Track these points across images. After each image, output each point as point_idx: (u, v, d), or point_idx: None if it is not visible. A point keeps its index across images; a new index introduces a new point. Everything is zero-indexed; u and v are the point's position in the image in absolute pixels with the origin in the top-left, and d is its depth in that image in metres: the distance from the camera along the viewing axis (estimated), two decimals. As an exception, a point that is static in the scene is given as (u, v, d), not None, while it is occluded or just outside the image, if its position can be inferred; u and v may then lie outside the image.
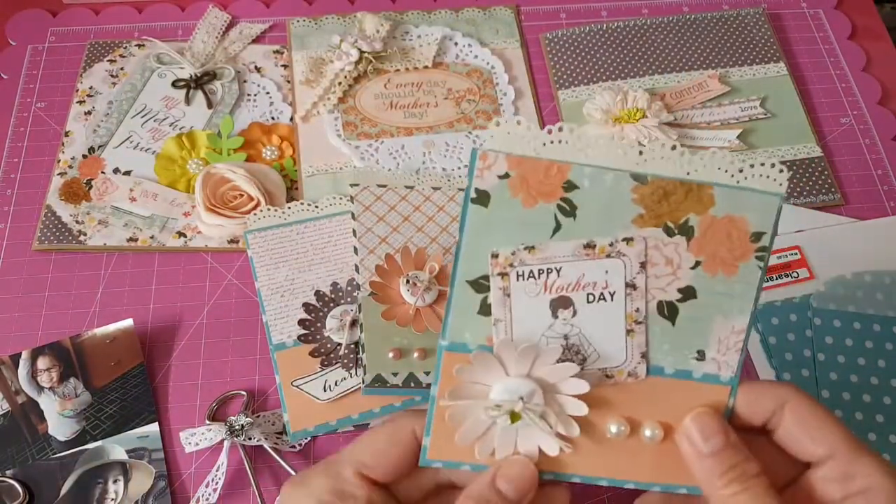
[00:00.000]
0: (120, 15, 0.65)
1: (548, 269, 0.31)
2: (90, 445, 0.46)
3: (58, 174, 0.56)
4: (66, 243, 0.53)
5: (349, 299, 0.48)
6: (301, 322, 0.48)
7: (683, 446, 0.31)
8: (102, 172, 0.56)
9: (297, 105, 0.60)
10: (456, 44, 0.64)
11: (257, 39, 0.64)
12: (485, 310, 0.31)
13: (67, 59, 0.62)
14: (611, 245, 0.31)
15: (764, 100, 0.60)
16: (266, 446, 0.45)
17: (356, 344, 0.47)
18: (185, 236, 0.54)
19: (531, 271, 0.31)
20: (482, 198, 0.30)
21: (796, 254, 0.52)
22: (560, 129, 0.30)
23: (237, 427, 0.45)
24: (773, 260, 0.51)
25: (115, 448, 0.46)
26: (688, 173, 0.30)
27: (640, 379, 0.31)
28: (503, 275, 0.31)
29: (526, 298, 0.31)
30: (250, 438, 0.44)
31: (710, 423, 0.30)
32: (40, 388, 0.47)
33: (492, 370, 0.31)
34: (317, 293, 0.49)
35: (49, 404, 0.47)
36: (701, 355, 0.31)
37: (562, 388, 0.31)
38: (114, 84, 0.61)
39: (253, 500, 0.44)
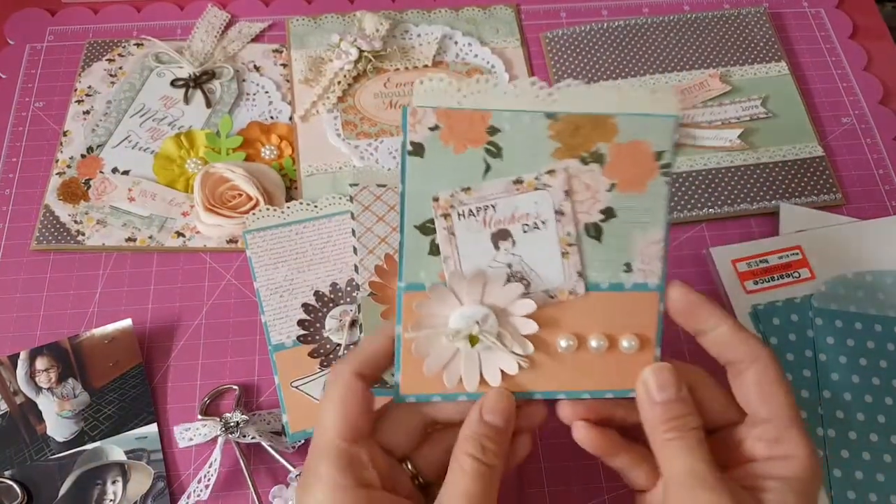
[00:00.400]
0: (119, 14, 0.65)
1: (485, 206, 0.35)
2: (89, 446, 0.46)
3: (56, 174, 0.56)
4: (64, 243, 0.53)
5: (348, 299, 0.48)
6: (300, 322, 0.48)
7: (639, 391, 0.34)
8: (101, 172, 0.56)
9: (296, 104, 0.59)
10: (456, 43, 0.63)
11: (256, 38, 0.64)
12: (434, 250, 0.35)
13: (66, 59, 0.62)
14: (536, 179, 0.34)
15: (765, 99, 0.60)
16: (263, 443, 0.44)
17: (355, 344, 0.47)
18: (183, 236, 0.53)
19: (470, 210, 0.35)
20: (417, 149, 0.34)
21: (797, 254, 0.51)
22: (477, 81, 0.34)
23: (232, 424, 0.44)
24: (775, 260, 0.51)
25: (114, 449, 0.46)
26: (593, 107, 0.34)
27: (580, 295, 0.35)
28: (446, 215, 0.35)
29: (469, 234, 0.35)
30: (245, 436, 0.44)
31: (666, 377, 0.34)
32: (39, 389, 0.47)
33: (447, 301, 0.34)
34: (316, 293, 0.48)
35: (47, 405, 0.47)
36: (628, 267, 0.35)
37: (512, 310, 0.35)
38: (112, 83, 0.61)
39: (248, 498, 0.44)
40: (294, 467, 0.44)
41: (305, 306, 0.48)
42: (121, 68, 0.61)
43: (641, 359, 0.36)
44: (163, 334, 0.50)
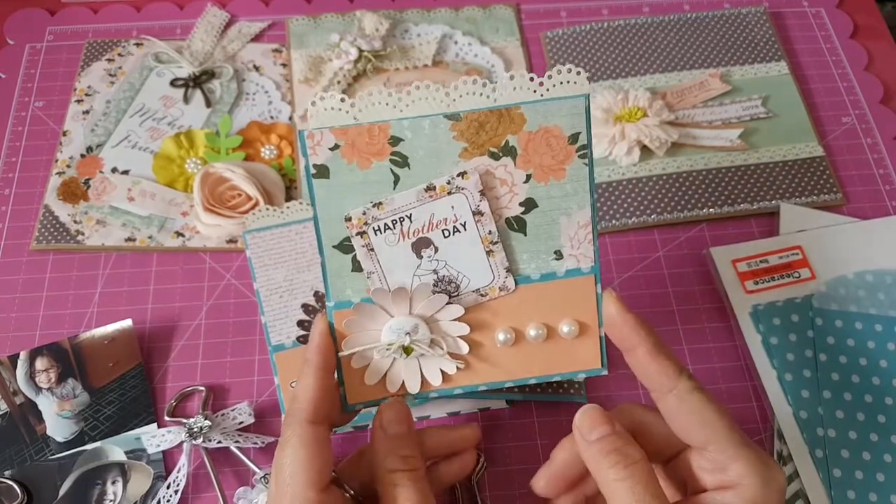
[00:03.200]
0: (118, 14, 0.65)
1: (399, 219, 0.34)
2: (89, 446, 0.45)
3: (56, 174, 0.56)
4: (64, 243, 0.53)
5: (348, 300, 0.48)
6: (300, 323, 0.48)
7: (577, 437, 0.34)
8: (100, 172, 0.56)
9: (295, 104, 0.59)
10: (456, 42, 0.63)
11: (256, 38, 0.64)
12: (357, 266, 0.35)
13: (65, 58, 0.62)
14: (448, 183, 0.34)
15: (765, 99, 0.59)
16: (232, 447, 0.44)
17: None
18: (183, 236, 0.53)
19: (385, 224, 0.34)
20: (321, 171, 0.34)
21: (797, 254, 0.51)
22: (370, 94, 0.34)
23: (196, 429, 0.44)
24: (775, 260, 0.51)
25: (114, 449, 0.45)
26: (495, 101, 0.34)
27: (511, 291, 0.35)
28: (361, 233, 0.34)
29: (388, 248, 0.35)
30: (210, 440, 0.44)
31: (595, 416, 0.33)
32: (38, 389, 0.47)
33: (376, 316, 0.35)
34: (316, 294, 0.48)
35: (47, 405, 0.47)
36: (558, 255, 0.35)
37: (442, 316, 0.35)
38: (112, 83, 0.61)
39: (218, 500, 0.44)
40: (259, 468, 0.44)
41: (305, 307, 0.48)
42: (120, 68, 0.61)
43: (586, 342, 0.36)
44: (162, 334, 0.50)
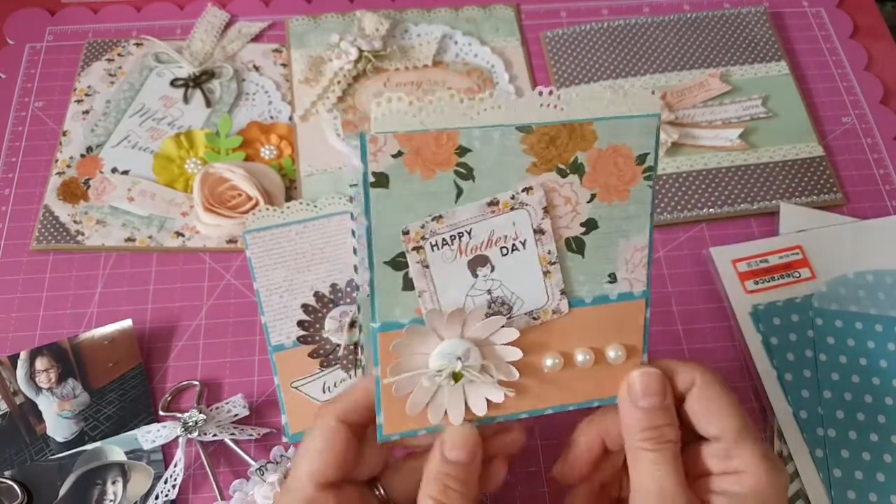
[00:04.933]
0: (118, 14, 0.65)
1: (459, 234, 0.32)
2: (89, 446, 0.45)
3: (56, 174, 0.56)
4: (64, 243, 0.53)
5: (348, 300, 0.48)
6: (300, 323, 0.48)
7: (622, 393, 0.34)
8: (100, 172, 0.56)
9: (295, 104, 0.59)
10: (456, 42, 0.63)
11: (256, 38, 0.64)
12: (408, 285, 0.32)
13: (65, 58, 0.62)
14: (512, 198, 0.32)
15: (765, 99, 0.59)
16: (226, 440, 0.45)
17: (355, 345, 0.47)
18: (183, 236, 0.53)
19: (443, 239, 0.32)
20: (381, 180, 0.31)
21: (798, 253, 0.51)
22: (440, 98, 0.31)
23: (191, 424, 0.44)
24: (775, 260, 0.51)
25: (114, 449, 0.45)
26: (568, 115, 0.32)
27: (564, 314, 0.34)
28: (418, 248, 0.32)
29: (444, 265, 0.32)
30: (205, 434, 0.44)
31: (652, 384, 0.33)
32: (39, 389, 0.47)
33: (427, 339, 0.33)
34: (315, 294, 0.48)
35: (47, 405, 0.47)
36: (613, 278, 0.34)
37: (495, 339, 0.33)
38: (112, 83, 0.61)
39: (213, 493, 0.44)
40: (255, 461, 0.44)
41: (305, 307, 0.48)
42: (120, 68, 0.61)
43: (628, 367, 0.35)
44: (162, 335, 0.50)
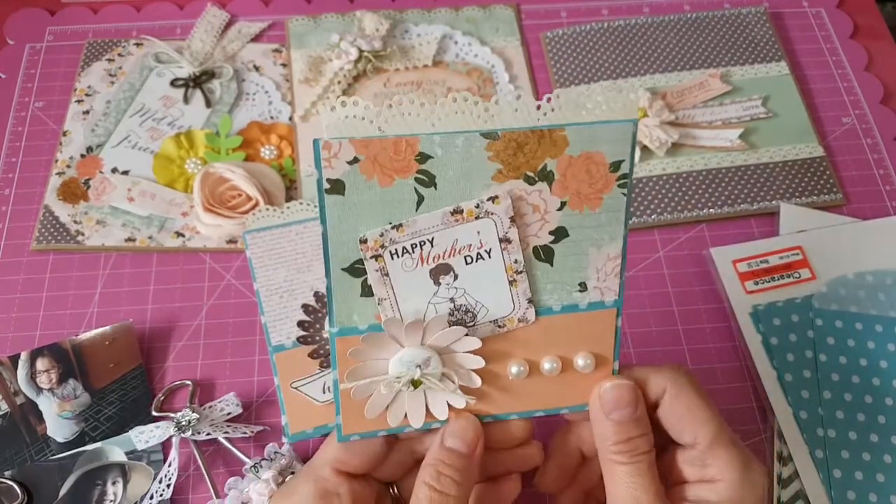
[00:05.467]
0: (118, 14, 0.65)
1: (420, 243, 0.31)
2: (89, 447, 0.45)
3: (56, 174, 0.56)
4: (64, 243, 0.53)
5: (349, 300, 0.48)
6: (300, 323, 0.47)
7: (594, 405, 0.33)
8: (100, 172, 0.56)
9: (295, 104, 0.59)
10: (456, 42, 0.63)
11: (256, 38, 0.64)
12: (367, 291, 0.32)
13: (65, 59, 0.62)
14: (477, 207, 0.31)
15: (765, 99, 0.59)
16: (220, 438, 0.45)
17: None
18: (183, 236, 0.53)
19: (404, 248, 0.31)
20: (336, 186, 0.30)
21: (798, 254, 0.51)
22: (401, 103, 0.30)
23: (184, 423, 0.44)
24: (775, 260, 0.51)
25: (114, 449, 0.45)
26: (538, 120, 0.31)
27: (531, 322, 0.33)
28: (377, 257, 0.31)
29: (404, 274, 0.32)
30: (199, 433, 0.44)
31: (623, 396, 0.33)
32: (39, 390, 0.47)
33: (386, 346, 0.32)
34: (316, 294, 0.48)
35: (48, 405, 0.47)
36: (583, 287, 0.33)
37: (456, 347, 0.33)
38: (112, 83, 0.61)
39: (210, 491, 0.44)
40: (249, 458, 0.44)
41: (305, 307, 0.48)
42: (120, 68, 0.61)
43: (598, 375, 0.34)
44: (162, 335, 0.50)
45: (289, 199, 0.55)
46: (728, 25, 0.64)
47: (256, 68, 0.62)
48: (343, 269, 0.31)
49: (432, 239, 0.31)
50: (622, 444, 0.32)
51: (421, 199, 0.31)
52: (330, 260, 0.31)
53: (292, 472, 0.43)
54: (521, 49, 0.63)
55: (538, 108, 0.31)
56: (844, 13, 0.66)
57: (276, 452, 0.43)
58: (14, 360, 0.48)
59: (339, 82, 0.60)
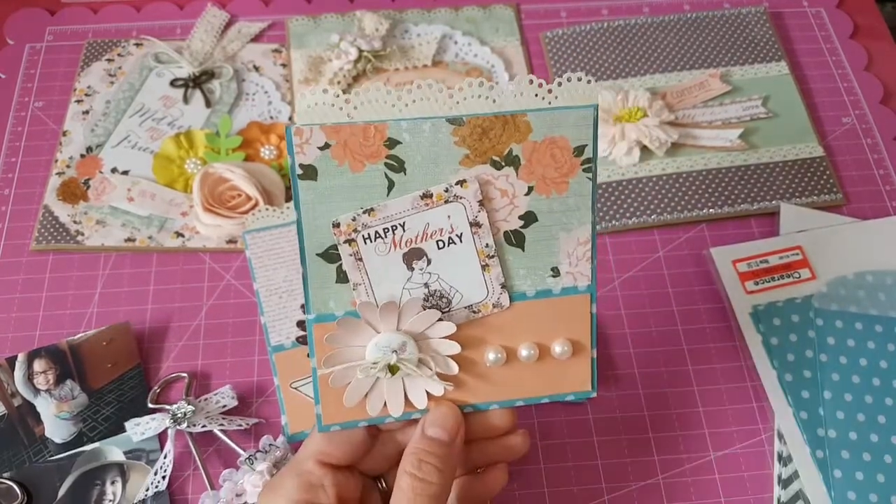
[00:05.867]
0: (118, 14, 0.65)
1: (392, 227, 0.32)
2: (87, 447, 0.45)
3: (55, 174, 0.56)
4: (63, 243, 0.53)
5: (348, 300, 0.48)
6: (300, 323, 0.47)
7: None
8: (100, 172, 0.56)
9: (295, 104, 0.59)
10: (455, 42, 0.63)
11: (256, 38, 0.64)
12: (342, 277, 0.32)
13: (65, 59, 0.62)
14: (446, 191, 0.32)
15: (765, 99, 0.59)
16: (215, 430, 0.45)
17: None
18: (182, 236, 0.53)
19: (376, 232, 0.32)
20: (309, 172, 0.31)
21: (798, 254, 0.51)
22: (367, 90, 0.31)
23: (180, 415, 0.44)
24: (775, 260, 0.51)
25: (113, 449, 0.45)
26: (500, 106, 0.32)
27: (505, 308, 0.33)
28: (350, 241, 0.32)
29: (378, 258, 0.32)
30: (194, 425, 0.44)
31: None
32: (37, 391, 0.47)
33: (361, 332, 0.32)
34: (315, 294, 0.48)
35: (45, 407, 0.46)
36: (555, 272, 0.33)
37: (432, 333, 0.33)
38: (112, 83, 0.61)
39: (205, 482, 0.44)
40: (244, 450, 0.44)
41: (305, 307, 0.48)
42: (120, 68, 0.61)
43: (577, 362, 0.34)
44: (162, 335, 0.50)
45: (289, 199, 0.55)
46: (728, 25, 0.64)
47: (256, 68, 0.62)
48: (318, 255, 0.32)
49: (403, 223, 0.32)
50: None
51: (392, 185, 0.32)
52: (305, 245, 0.32)
53: None
54: (521, 49, 0.63)
55: (499, 93, 0.32)
56: (844, 13, 0.66)
57: (270, 444, 0.43)
58: (11, 361, 0.47)
59: (338, 82, 0.60)
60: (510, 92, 0.32)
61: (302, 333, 0.47)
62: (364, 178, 0.31)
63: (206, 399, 0.46)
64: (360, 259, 0.32)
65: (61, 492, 0.44)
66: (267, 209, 0.51)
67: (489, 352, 0.34)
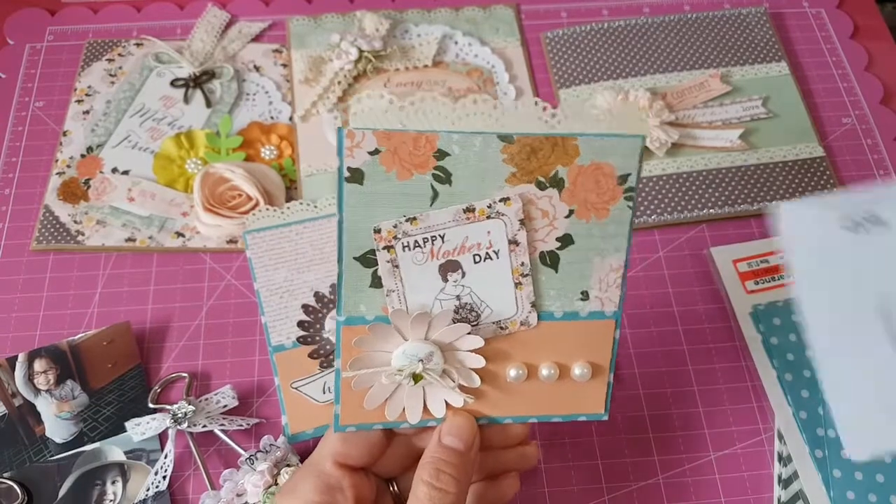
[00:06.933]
0: (119, 14, 0.65)
1: (432, 237, 0.32)
2: (88, 447, 0.45)
3: (56, 174, 0.56)
4: (64, 243, 0.53)
5: (348, 300, 0.48)
6: (300, 323, 0.47)
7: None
8: (101, 172, 0.56)
9: (296, 104, 0.59)
10: (456, 42, 0.63)
11: (256, 38, 0.64)
12: (376, 282, 0.33)
13: (66, 58, 0.62)
14: (489, 207, 0.32)
15: (766, 99, 0.59)
16: (216, 430, 0.45)
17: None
18: (183, 236, 0.53)
19: (416, 241, 0.32)
20: (356, 176, 0.31)
21: (798, 254, 0.51)
22: (422, 99, 0.32)
23: (180, 415, 0.44)
24: (776, 260, 0.51)
25: (113, 449, 0.45)
26: (552, 127, 0.32)
27: (532, 326, 0.34)
28: (389, 247, 0.32)
29: (414, 267, 0.32)
30: (195, 425, 0.44)
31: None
32: (37, 391, 0.47)
33: (390, 338, 0.33)
34: (316, 294, 0.48)
35: (46, 407, 0.46)
36: (585, 295, 0.34)
37: (459, 345, 0.33)
38: (112, 83, 0.61)
39: (205, 482, 0.44)
40: (245, 450, 0.44)
41: (305, 307, 0.48)
42: (120, 68, 0.61)
43: (593, 385, 0.35)
44: (162, 335, 0.50)
45: (289, 199, 0.55)
46: (728, 25, 0.64)
47: (257, 68, 0.62)
48: (355, 258, 0.32)
49: (443, 235, 0.32)
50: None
51: (436, 195, 0.32)
52: (343, 248, 0.32)
53: (287, 465, 0.43)
54: (522, 49, 0.63)
55: (553, 115, 0.32)
56: (844, 13, 0.66)
57: (271, 444, 0.43)
58: (11, 361, 0.48)
59: (339, 82, 0.60)
60: (561, 114, 0.32)
61: (302, 333, 0.47)
62: (410, 187, 0.31)
63: (206, 399, 0.46)
64: (397, 266, 0.32)
65: (62, 492, 0.44)
66: (267, 209, 0.51)
67: (511, 368, 0.34)
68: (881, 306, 0.29)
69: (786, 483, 0.44)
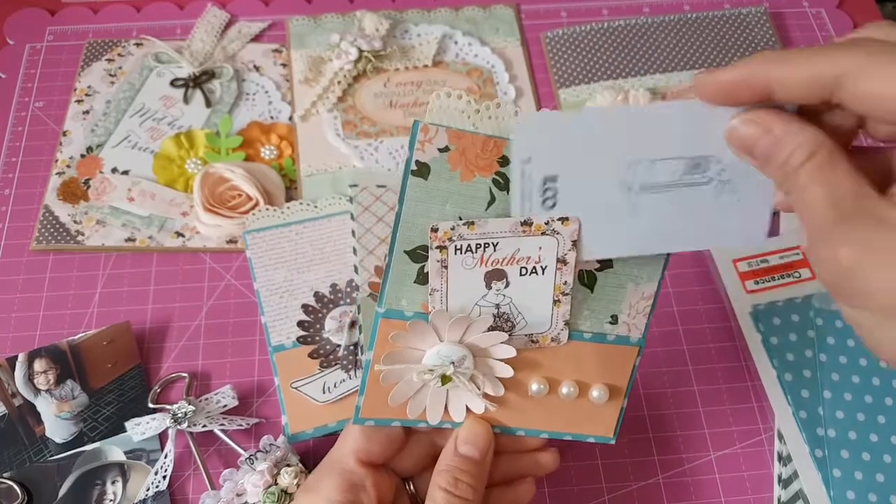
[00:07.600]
0: (118, 14, 0.65)
1: (485, 244, 0.32)
2: (88, 447, 0.45)
3: (56, 174, 0.56)
4: (64, 243, 0.53)
5: (348, 300, 0.48)
6: (300, 323, 0.47)
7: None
8: (100, 172, 0.56)
9: (296, 104, 0.59)
10: (456, 42, 0.63)
11: (256, 38, 0.64)
12: (421, 279, 0.33)
13: (66, 58, 0.62)
14: (546, 224, 0.32)
15: (765, 99, 0.59)
16: (216, 430, 0.45)
17: (355, 345, 0.47)
18: (183, 236, 0.53)
19: (469, 245, 0.32)
20: (422, 170, 0.31)
21: (798, 254, 0.51)
22: (497, 106, 0.31)
23: (180, 415, 0.44)
24: (776, 260, 0.51)
25: (113, 449, 0.45)
26: None
27: (562, 343, 0.34)
28: (441, 248, 0.32)
29: (462, 270, 0.33)
30: (195, 425, 0.44)
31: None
32: (37, 391, 0.47)
33: (426, 336, 0.33)
34: (315, 294, 0.48)
35: (46, 407, 0.46)
36: (614, 319, 0.34)
37: (491, 352, 0.34)
38: (112, 83, 0.61)
39: (205, 482, 0.44)
40: (244, 450, 0.44)
41: (305, 307, 0.48)
42: (120, 68, 0.61)
43: (608, 408, 0.36)
44: (162, 335, 0.50)
45: (289, 199, 0.55)
46: (728, 25, 0.64)
47: (256, 68, 0.62)
48: (405, 252, 0.32)
49: (497, 243, 0.32)
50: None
51: (493, 200, 0.32)
52: (396, 240, 0.32)
53: (287, 465, 0.43)
54: (522, 49, 0.63)
55: None
56: (844, 13, 0.66)
57: (271, 444, 0.43)
58: (11, 361, 0.47)
59: (339, 82, 0.60)
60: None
61: (302, 333, 0.47)
62: (469, 189, 0.32)
63: (206, 399, 0.46)
64: (446, 267, 0.32)
65: (62, 492, 0.44)
66: (267, 209, 0.51)
67: (534, 382, 0.34)
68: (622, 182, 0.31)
69: (786, 483, 0.44)
